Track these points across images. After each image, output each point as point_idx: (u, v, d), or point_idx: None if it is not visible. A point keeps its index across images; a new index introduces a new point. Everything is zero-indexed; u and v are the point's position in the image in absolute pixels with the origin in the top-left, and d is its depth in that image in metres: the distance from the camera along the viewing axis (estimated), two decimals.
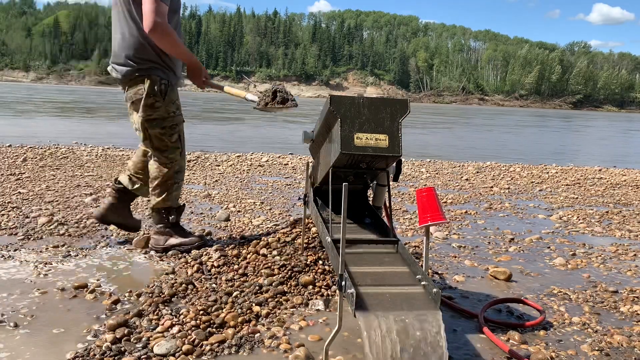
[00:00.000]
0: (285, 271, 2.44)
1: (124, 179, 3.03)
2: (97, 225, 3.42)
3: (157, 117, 2.75)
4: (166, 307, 2.13)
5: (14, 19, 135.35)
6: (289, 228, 2.90)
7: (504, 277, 2.78)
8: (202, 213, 3.97)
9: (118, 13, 2.74)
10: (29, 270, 2.54)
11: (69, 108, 22.80)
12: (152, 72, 2.72)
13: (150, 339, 1.87)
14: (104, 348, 1.79)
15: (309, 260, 2.53)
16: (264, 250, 2.67)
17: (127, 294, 2.28)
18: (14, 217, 3.52)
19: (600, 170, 8.15)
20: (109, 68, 2.86)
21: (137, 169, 2.99)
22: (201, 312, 2.06)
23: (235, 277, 2.43)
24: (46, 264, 2.64)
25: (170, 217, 2.89)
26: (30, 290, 2.29)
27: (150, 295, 2.25)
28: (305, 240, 2.66)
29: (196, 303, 2.16)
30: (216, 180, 5.53)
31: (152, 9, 2.51)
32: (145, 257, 2.84)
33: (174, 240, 2.88)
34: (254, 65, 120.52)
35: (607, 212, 4.77)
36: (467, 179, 6.53)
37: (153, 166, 2.85)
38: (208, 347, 1.84)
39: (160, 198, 2.86)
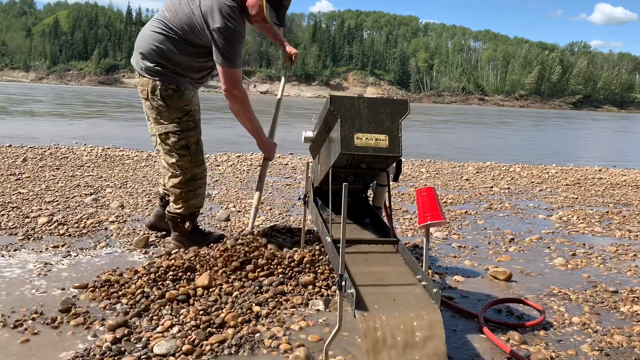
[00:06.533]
0: (285, 271, 2.44)
1: (161, 189, 3.15)
2: (97, 225, 3.42)
3: (162, 120, 2.74)
4: (166, 307, 2.12)
5: (14, 19, 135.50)
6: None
7: (504, 277, 2.78)
8: (202, 213, 3.96)
9: (163, 13, 2.69)
10: (28, 270, 2.54)
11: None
12: (158, 75, 2.68)
13: (150, 339, 1.87)
14: (104, 348, 1.79)
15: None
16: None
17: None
18: (14, 217, 3.52)
19: (600, 170, 8.14)
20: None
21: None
22: (201, 312, 2.06)
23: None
24: (46, 264, 2.64)
25: (186, 225, 2.88)
26: (30, 290, 2.30)
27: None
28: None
29: (196, 303, 2.16)
30: (216, 180, 5.53)
31: (230, 76, 2.57)
32: (145, 257, 2.84)
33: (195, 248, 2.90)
34: (254, 65, 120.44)
35: (607, 212, 4.77)
36: (467, 179, 6.53)
37: (165, 173, 2.84)
38: (208, 347, 1.84)
39: (175, 205, 2.87)
